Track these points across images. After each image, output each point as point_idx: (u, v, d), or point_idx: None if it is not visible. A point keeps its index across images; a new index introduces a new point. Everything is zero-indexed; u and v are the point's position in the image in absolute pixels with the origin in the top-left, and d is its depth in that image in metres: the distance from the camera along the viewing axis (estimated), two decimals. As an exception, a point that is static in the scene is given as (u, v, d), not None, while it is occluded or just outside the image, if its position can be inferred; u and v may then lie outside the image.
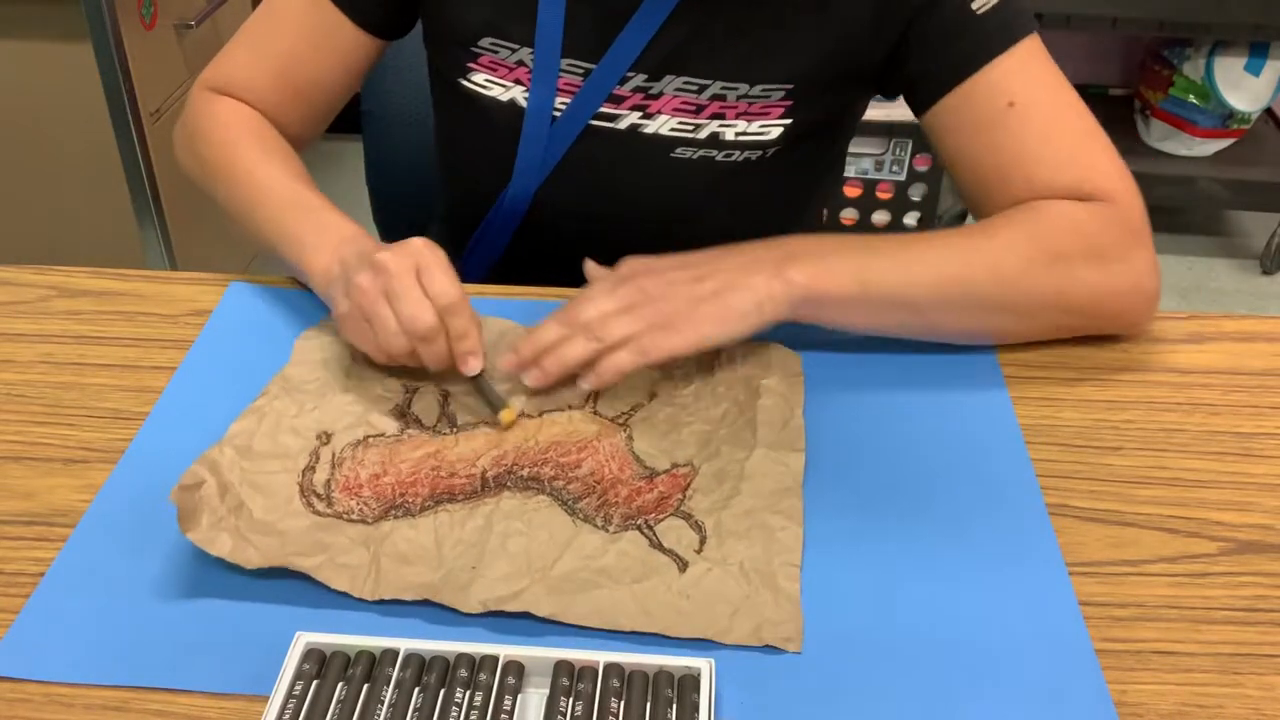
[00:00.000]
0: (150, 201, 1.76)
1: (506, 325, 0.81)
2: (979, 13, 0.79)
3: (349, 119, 1.25)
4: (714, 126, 0.86)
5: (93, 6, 1.57)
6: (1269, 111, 2.40)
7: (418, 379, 0.76)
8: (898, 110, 2.18)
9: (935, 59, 0.81)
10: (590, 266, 0.79)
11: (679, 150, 0.87)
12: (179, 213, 1.81)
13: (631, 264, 0.76)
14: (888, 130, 2.24)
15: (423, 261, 0.70)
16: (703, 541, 0.63)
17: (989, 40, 0.79)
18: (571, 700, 0.54)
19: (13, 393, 0.76)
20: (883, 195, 2.33)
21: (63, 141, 1.78)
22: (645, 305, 0.71)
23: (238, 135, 0.87)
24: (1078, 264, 0.76)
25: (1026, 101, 0.79)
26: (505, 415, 0.71)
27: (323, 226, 0.79)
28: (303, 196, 0.82)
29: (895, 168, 2.29)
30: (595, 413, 0.73)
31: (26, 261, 0.90)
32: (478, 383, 0.73)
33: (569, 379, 0.73)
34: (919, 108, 0.84)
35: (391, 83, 1.19)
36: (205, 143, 0.88)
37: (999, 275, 0.75)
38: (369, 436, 0.71)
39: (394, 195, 1.25)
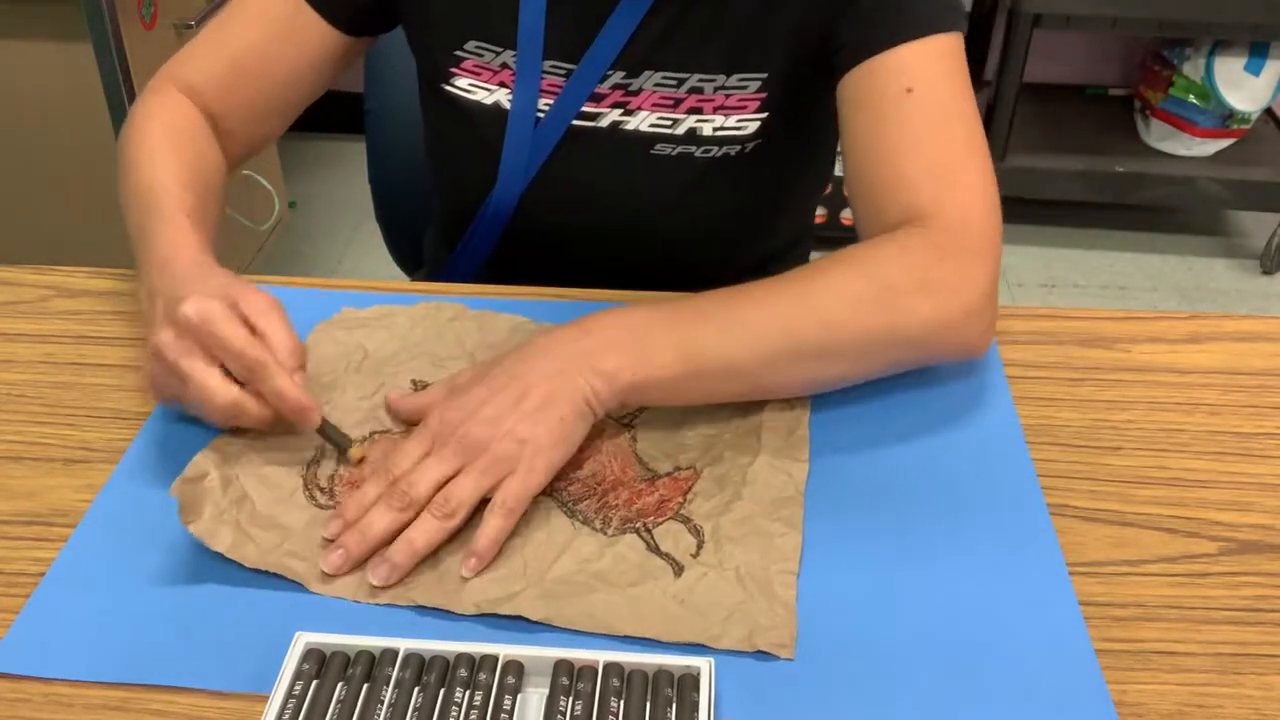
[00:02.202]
0: (150, 201, 1.76)
1: (516, 321, 0.81)
2: None
3: (352, 119, 1.25)
4: (691, 121, 0.86)
5: (93, 6, 1.57)
6: (1269, 111, 2.40)
7: (428, 375, 0.76)
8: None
9: (855, 32, 0.80)
10: (392, 401, 0.73)
11: (658, 146, 0.87)
12: (179, 213, 1.81)
13: (437, 413, 0.67)
14: (888, 130, 2.23)
15: (199, 334, 0.64)
16: (700, 546, 0.63)
17: (909, 24, 0.78)
18: (571, 700, 0.54)
19: (13, 393, 0.76)
20: (883, 195, 2.32)
21: (63, 141, 1.78)
22: (478, 456, 0.64)
23: (153, 129, 0.84)
24: (910, 296, 0.71)
25: (925, 94, 0.77)
26: (354, 453, 0.68)
27: (156, 238, 0.74)
28: (165, 202, 0.77)
29: (895, 168, 2.28)
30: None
31: (26, 261, 0.90)
32: (321, 429, 0.68)
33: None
34: (835, 81, 0.82)
35: (395, 82, 1.19)
36: (128, 132, 0.86)
37: (826, 321, 0.70)
38: (375, 433, 0.71)
39: (396, 194, 1.25)
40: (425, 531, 0.62)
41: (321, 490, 0.67)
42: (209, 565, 0.62)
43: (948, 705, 0.56)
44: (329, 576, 0.62)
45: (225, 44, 0.89)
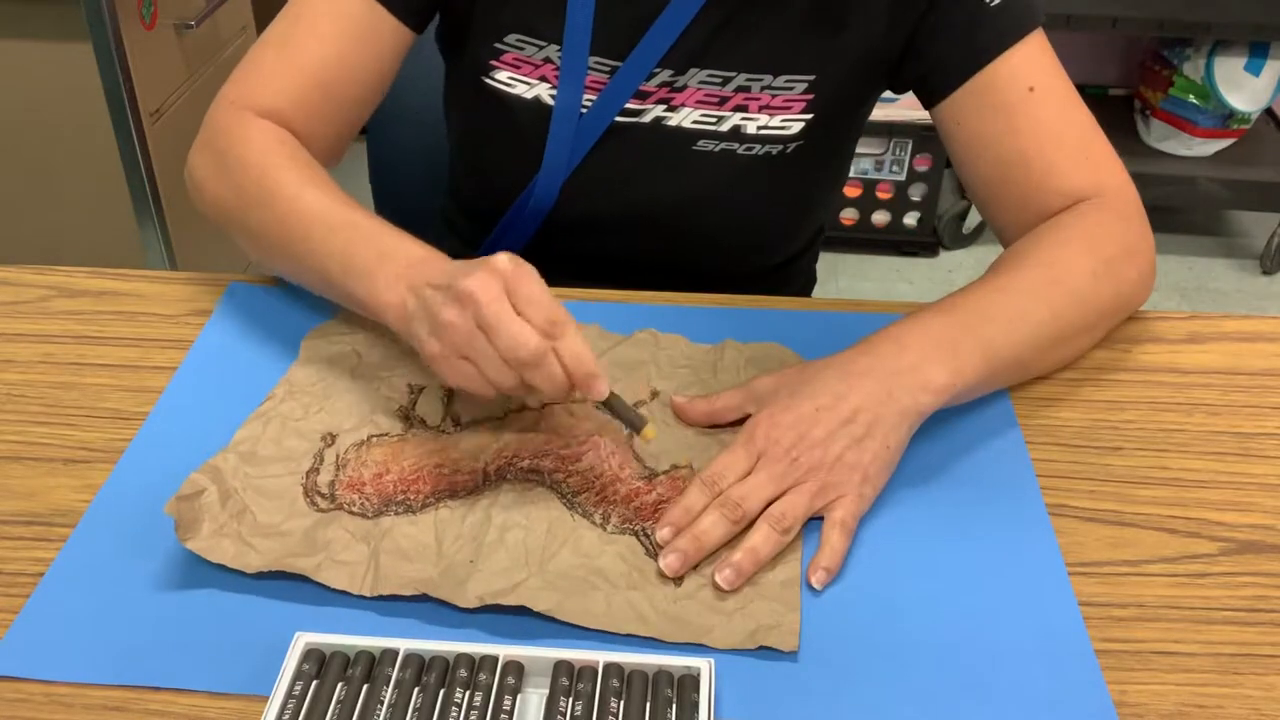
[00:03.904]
0: (150, 201, 1.76)
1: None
2: (991, 4, 0.81)
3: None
4: (736, 119, 0.87)
5: (93, 6, 1.57)
6: (1269, 111, 2.39)
7: (423, 378, 0.76)
8: (898, 110, 2.19)
9: (951, 49, 0.83)
10: (680, 405, 0.73)
11: (701, 143, 0.88)
12: (179, 213, 1.81)
13: (763, 430, 0.68)
14: (888, 130, 2.24)
15: (511, 281, 0.63)
16: None
17: (1006, 29, 0.82)
18: (571, 700, 0.54)
19: (13, 393, 0.76)
20: (883, 195, 2.32)
21: (63, 141, 1.78)
22: (808, 479, 0.66)
23: (276, 159, 0.80)
24: (1121, 264, 0.78)
25: (1045, 88, 0.82)
26: (648, 432, 0.67)
27: (385, 254, 0.72)
28: (356, 221, 0.75)
29: (895, 168, 2.29)
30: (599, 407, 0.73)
31: (26, 261, 0.90)
32: (610, 404, 0.67)
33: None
34: (933, 99, 0.85)
35: (396, 83, 1.18)
36: (240, 167, 0.80)
37: (1076, 298, 0.76)
38: (373, 436, 0.71)
39: (396, 195, 1.25)
40: (768, 541, 0.63)
41: (322, 496, 0.67)
42: (209, 566, 0.62)
43: (948, 705, 0.56)
44: (333, 567, 0.61)
45: (300, 60, 0.84)
